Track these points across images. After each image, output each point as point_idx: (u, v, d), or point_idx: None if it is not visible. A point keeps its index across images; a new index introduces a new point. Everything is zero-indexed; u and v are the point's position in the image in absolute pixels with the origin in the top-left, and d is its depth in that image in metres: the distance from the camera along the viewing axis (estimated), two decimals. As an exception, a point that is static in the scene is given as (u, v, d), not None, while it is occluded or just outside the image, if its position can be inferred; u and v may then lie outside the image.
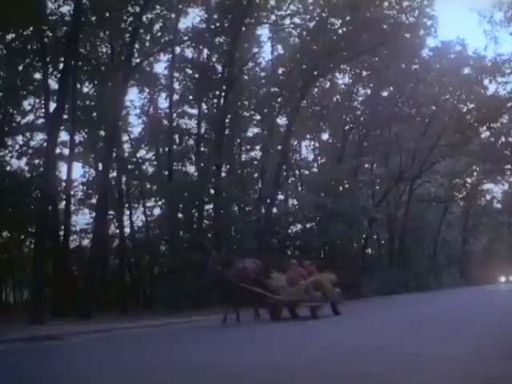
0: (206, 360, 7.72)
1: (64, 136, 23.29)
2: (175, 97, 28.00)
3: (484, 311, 16.15)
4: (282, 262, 19.77)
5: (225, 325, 13.98)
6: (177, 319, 16.36)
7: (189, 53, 28.38)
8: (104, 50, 24.64)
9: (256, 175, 30.53)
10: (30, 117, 22.92)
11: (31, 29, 20.27)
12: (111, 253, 28.27)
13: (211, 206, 26.52)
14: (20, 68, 20.81)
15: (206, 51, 28.08)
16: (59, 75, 20.25)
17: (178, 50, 27.48)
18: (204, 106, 28.14)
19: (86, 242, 27.36)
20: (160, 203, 28.28)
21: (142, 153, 29.40)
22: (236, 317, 14.70)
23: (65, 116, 20.66)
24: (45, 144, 20.48)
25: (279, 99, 28.86)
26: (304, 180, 35.35)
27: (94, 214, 24.27)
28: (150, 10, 22.56)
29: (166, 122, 27.97)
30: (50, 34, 20.91)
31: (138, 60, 23.44)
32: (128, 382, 6.66)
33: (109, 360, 8.47)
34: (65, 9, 21.08)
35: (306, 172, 36.18)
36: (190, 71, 28.15)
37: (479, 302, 22.15)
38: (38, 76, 21.81)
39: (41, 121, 22.41)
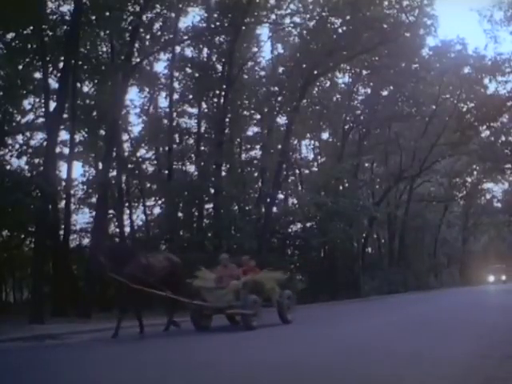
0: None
1: (64, 135, 23.31)
2: (175, 96, 27.99)
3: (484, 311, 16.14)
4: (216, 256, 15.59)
5: (118, 339, 10.99)
6: (176, 319, 16.33)
7: (189, 52, 28.38)
8: (104, 49, 24.60)
9: (256, 174, 30.52)
10: (30, 116, 22.93)
11: (31, 28, 20.22)
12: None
13: (211, 205, 26.51)
14: (20, 67, 20.78)
15: (205, 50, 28.07)
16: (59, 74, 20.21)
17: (177, 49, 27.47)
18: (204, 105, 28.13)
19: (86, 241, 27.33)
20: (160, 202, 28.26)
21: (141, 152, 29.38)
22: (139, 327, 11.77)
23: (65, 115, 20.62)
24: (45, 143, 20.47)
25: (279, 98, 28.84)
26: (304, 179, 35.35)
27: (94, 213, 24.26)
28: (150, 10, 22.54)
29: (165, 122, 27.94)
30: (50, 33, 20.85)
31: (138, 59, 23.39)
32: (128, 381, 6.66)
33: (108, 359, 8.47)
34: (65, 8, 21.04)
35: (306, 171, 36.18)
36: (189, 70, 28.11)
37: (478, 301, 22.16)
38: (37, 75, 21.80)
39: (41, 120, 22.41)
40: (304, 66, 27.46)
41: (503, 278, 50.81)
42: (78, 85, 22.96)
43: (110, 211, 25.49)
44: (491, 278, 51.41)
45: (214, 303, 12.59)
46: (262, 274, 13.74)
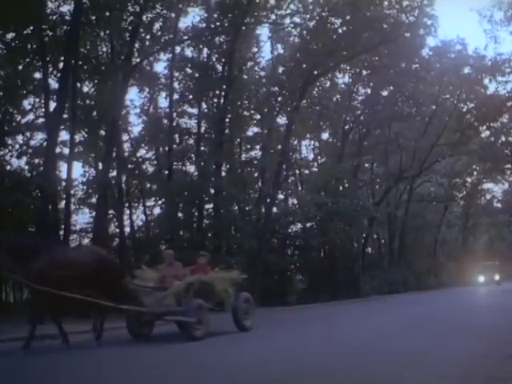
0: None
1: (64, 135, 23.27)
2: (175, 96, 27.98)
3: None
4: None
5: (30, 349, 9.50)
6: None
7: (189, 52, 28.37)
8: (104, 49, 24.61)
9: (256, 174, 30.51)
10: (30, 116, 22.92)
11: (31, 28, 20.23)
12: (111, 252, 28.20)
13: (211, 205, 26.52)
14: (20, 67, 20.79)
15: (206, 50, 28.07)
16: (59, 74, 20.25)
17: (178, 49, 27.47)
18: (204, 106, 28.12)
19: (86, 241, 27.30)
20: (160, 202, 28.25)
21: (141, 152, 29.36)
22: (61, 336, 10.26)
23: (65, 115, 20.66)
24: (45, 143, 20.50)
25: (279, 98, 28.84)
26: (304, 179, 35.34)
27: (94, 214, 24.26)
28: (150, 10, 22.54)
29: (165, 122, 27.94)
30: (50, 34, 20.86)
31: (138, 59, 23.40)
32: (127, 380, 6.66)
33: (108, 359, 8.47)
34: (65, 8, 21.04)
35: (306, 171, 36.17)
36: (189, 70, 28.11)
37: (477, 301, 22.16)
38: (37, 75, 21.80)
39: (41, 120, 22.40)
40: (304, 66, 27.46)
41: (496, 277, 43.13)
42: (78, 85, 22.93)
43: (110, 211, 25.47)
44: (481, 278, 44.05)
45: (151, 308, 10.75)
46: (212, 274, 11.87)
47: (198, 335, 10.37)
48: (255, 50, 29.92)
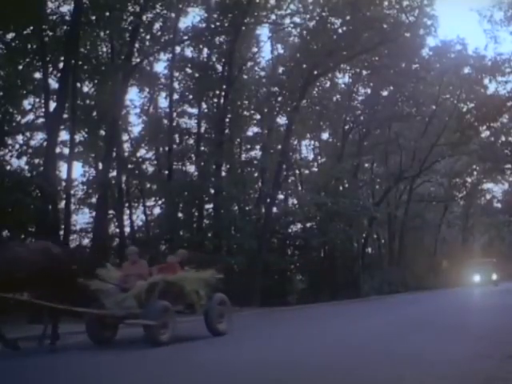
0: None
1: (64, 135, 23.24)
2: (175, 96, 27.97)
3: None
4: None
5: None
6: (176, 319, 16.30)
7: (189, 52, 28.37)
8: (104, 49, 24.61)
9: (256, 174, 30.52)
10: (30, 116, 22.86)
11: (31, 28, 20.22)
12: (111, 252, 28.23)
13: (211, 205, 26.52)
14: (20, 67, 20.78)
15: (206, 50, 28.06)
16: (59, 74, 20.23)
17: (177, 49, 27.46)
18: (204, 106, 28.12)
19: (86, 241, 27.30)
20: (160, 202, 28.26)
21: (141, 152, 29.36)
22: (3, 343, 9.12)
23: (65, 115, 20.64)
24: (45, 143, 20.47)
25: (279, 98, 28.84)
26: (304, 179, 35.36)
27: (94, 214, 24.25)
28: (150, 10, 22.54)
29: (165, 122, 27.95)
30: (50, 34, 20.85)
31: (138, 59, 23.40)
32: (127, 380, 6.67)
33: (108, 359, 8.47)
34: (65, 8, 21.01)
35: (306, 171, 36.18)
36: (189, 71, 28.11)
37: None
38: (37, 75, 21.77)
39: (41, 120, 22.36)
40: (304, 66, 27.46)
41: (493, 277, 39.33)
42: (78, 85, 22.91)
43: (110, 211, 25.47)
44: (477, 278, 39.50)
45: (111, 310, 9.89)
46: (181, 274, 10.88)
47: (162, 340, 9.60)
48: (255, 49, 29.94)
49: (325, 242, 30.68)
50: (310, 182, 34.35)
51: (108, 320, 10.15)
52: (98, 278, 10.46)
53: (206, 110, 28.15)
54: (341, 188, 33.00)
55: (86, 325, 10.31)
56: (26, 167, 22.45)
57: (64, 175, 22.84)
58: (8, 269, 8.61)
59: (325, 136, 37.83)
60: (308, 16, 26.54)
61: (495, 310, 16.03)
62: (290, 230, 32.06)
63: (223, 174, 27.25)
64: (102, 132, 24.49)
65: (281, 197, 31.72)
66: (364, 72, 32.82)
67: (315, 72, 27.66)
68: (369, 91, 34.94)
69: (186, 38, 27.00)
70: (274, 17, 27.03)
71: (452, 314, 15.59)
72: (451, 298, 26.80)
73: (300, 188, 34.82)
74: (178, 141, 28.39)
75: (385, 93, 34.15)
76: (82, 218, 27.87)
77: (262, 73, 30.80)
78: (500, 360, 6.78)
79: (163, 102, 29.30)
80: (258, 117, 30.17)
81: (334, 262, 32.60)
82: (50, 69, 21.36)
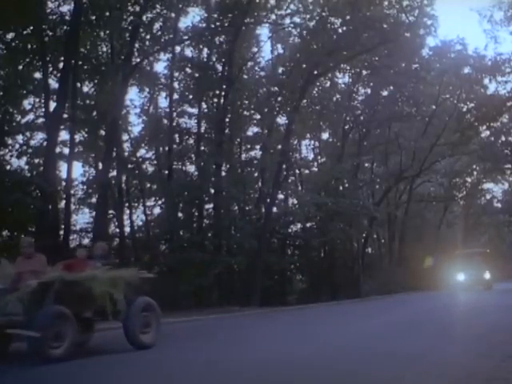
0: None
1: (64, 135, 23.28)
2: (175, 96, 28.00)
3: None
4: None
5: None
6: (176, 319, 16.35)
7: (189, 52, 28.42)
8: (104, 49, 24.63)
9: (256, 174, 30.53)
10: (30, 116, 22.89)
11: (31, 28, 20.25)
12: (111, 252, 28.24)
13: (211, 205, 26.54)
14: (20, 67, 20.81)
15: (206, 50, 28.09)
16: (59, 74, 20.27)
17: (178, 49, 27.51)
18: (204, 106, 28.14)
19: (86, 241, 27.31)
20: (160, 202, 28.27)
21: (141, 152, 29.37)
22: None
23: (65, 115, 20.66)
24: (45, 143, 20.50)
25: (279, 98, 28.84)
26: (304, 179, 35.37)
27: (94, 214, 24.25)
28: (150, 10, 22.56)
29: (165, 122, 27.97)
30: (50, 33, 20.89)
31: (138, 59, 23.41)
32: (127, 380, 6.67)
33: (108, 359, 8.47)
34: (65, 8, 21.07)
35: (306, 171, 36.20)
36: (189, 70, 28.13)
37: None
38: (37, 75, 21.81)
39: (41, 120, 22.39)
40: (304, 66, 27.46)
41: (486, 275, 29.26)
42: (78, 85, 22.95)
43: (110, 211, 25.48)
44: (460, 277, 30.00)
45: None
46: (87, 272, 8.93)
47: (53, 354, 7.68)
48: (255, 49, 29.96)
49: (325, 242, 30.69)
50: (310, 181, 34.35)
51: None
52: None
53: (205, 110, 28.17)
54: (341, 188, 33.01)
55: None
56: (26, 167, 22.50)
57: (64, 175, 22.90)
58: None
59: (325, 136, 37.90)
60: (308, 16, 26.55)
61: (496, 309, 16.03)
62: (290, 230, 32.05)
63: (223, 173, 27.25)
64: (102, 132, 24.50)
65: (281, 197, 31.74)
66: (364, 72, 32.82)
67: (315, 72, 27.66)
68: (369, 91, 34.95)
69: (186, 37, 27.03)
70: (274, 17, 27.10)
71: (452, 313, 15.61)
72: (452, 297, 26.65)
73: (300, 188, 34.83)
74: (177, 141, 28.40)
75: (385, 93, 34.15)
76: (82, 218, 27.89)
77: (261, 73, 30.81)
78: (500, 360, 6.77)
79: (163, 101, 29.36)
80: (258, 117, 30.18)
81: (333, 262, 32.61)
82: (50, 69, 21.40)
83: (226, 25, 25.83)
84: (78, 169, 29.96)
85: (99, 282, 8.62)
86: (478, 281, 29.57)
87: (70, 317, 8.05)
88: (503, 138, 37.41)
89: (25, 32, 20.32)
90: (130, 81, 23.14)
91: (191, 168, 28.66)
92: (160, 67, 29.58)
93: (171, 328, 12.68)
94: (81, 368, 7.62)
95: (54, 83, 21.67)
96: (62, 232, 21.81)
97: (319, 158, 37.36)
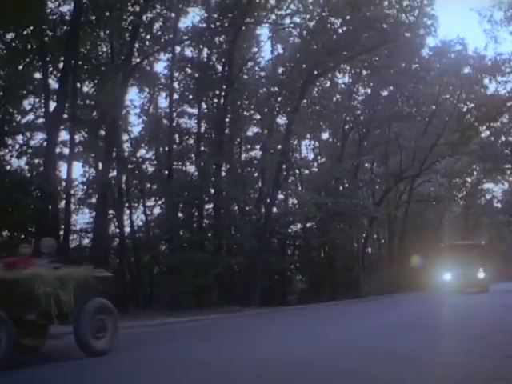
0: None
1: (64, 135, 23.32)
2: (175, 96, 28.01)
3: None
4: None
5: None
6: (176, 319, 16.36)
7: (189, 52, 28.43)
8: (104, 49, 24.65)
9: (256, 174, 30.54)
10: (30, 116, 22.95)
11: (31, 28, 20.27)
12: (111, 252, 28.30)
13: (211, 205, 26.54)
14: (20, 67, 20.82)
15: (206, 50, 28.09)
16: (59, 74, 20.28)
17: (178, 49, 27.52)
18: (204, 106, 28.14)
19: (86, 241, 27.34)
20: (160, 202, 28.30)
21: (141, 152, 29.43)
22: None
23: (65, 115, 20.68)
24: (45, 143, 20.52)
25: (279, 99, 28.84)
26: (304, 179, 35.37)
27: (94, 214, 24.27)
28: (150, 10, 22.57)
29: (165, 122, 27.98)
30: (50, 33, 20.91)
31: (138, 59, 23.43)
32: (127, 380, 6.67)
33: (107, 359, 8.47)
34: (65, 8, 21.10)
35: (306, 171, 36.20)
36: (189, 70, 28.14)
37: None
38: (37, 75, 21.83)
39: (41, 120, 22.43)
40: (304, 66, 27.46)
41: (480, 275, 25.15)
42: (78, 85, 22.98)
43: (110, 211, 25.50)
44: (447, 277, 25.99)
45: None
46: (29, 271, 8.13)
47: None
48: (255, 49, 29.97)
49: (325, 242, 30.68)
50: (310, 181, 34.35)
51: None
52: None
53: (205, 110, 28.17)
54: (341, 188, 33.01)
55: None
56: (26, 167, 22.54)
57: (64, 175, 22.94)
58: None
59: (325, 136, 37.90)
60: (308, 16, 26.56)
61: (496, 309, 16.03)
62: (289, 230, 32.06)
63: (223, 173, 27.26)
64: (102, 132, 24.53)
65: (281, 197, 31.75)
66: (364, 72, 32.84)
67: (315, 72, 27.66)
68: (369, 91, 34.96)
69: (186, 37, 27.03)
70: (274, 17, 27.10)
71: (452, 313, 15.61)
72: (452, 297, 26.58)
73: (300, 188, 34.83)
74: (177, 141, 28.42)
75: (385, 93, 34.16)
76: (82, 218, 27.95)
77: (261, 73, 30.79)
78: (500, 360, 6.77)
79: (163, 101, 29.38)
80: (258, 117, 30.18)
81: (333, 262, 32.60)
82: (50, 69, 21.43)
83: (226, 25, 25.83)
84: (78, 169, 30.01)
85: (43, 282, 7.82)
86: (469, 282, 24.91)
87: (5, 319, 7.24)
88: (503, 138, 37.42)
89: (25, 32, 20.33)
90: (129, 81, 23.14)
91: (191, 168, 28.71)
92: (160, 67, 29.67)
93: (171, 328, 12.67)
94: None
95: (54, 83, 21.73)
96: (62, 232, 21.85)
97: (319, 158, 37.37)
